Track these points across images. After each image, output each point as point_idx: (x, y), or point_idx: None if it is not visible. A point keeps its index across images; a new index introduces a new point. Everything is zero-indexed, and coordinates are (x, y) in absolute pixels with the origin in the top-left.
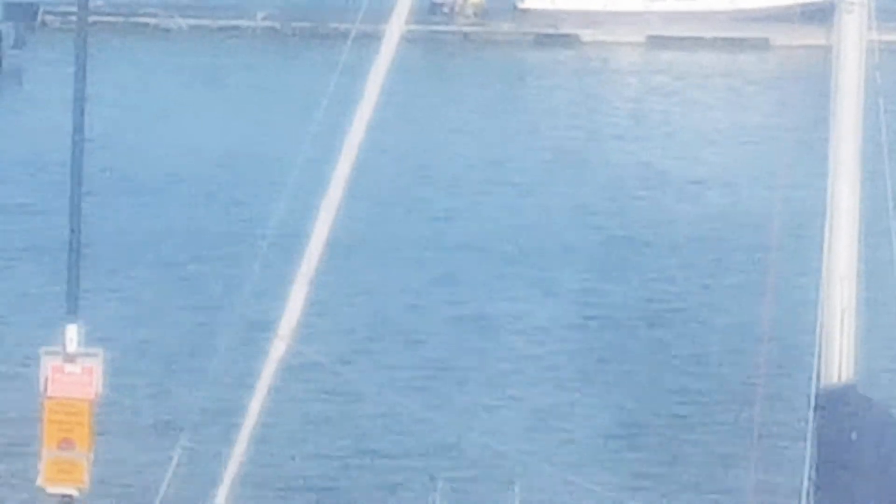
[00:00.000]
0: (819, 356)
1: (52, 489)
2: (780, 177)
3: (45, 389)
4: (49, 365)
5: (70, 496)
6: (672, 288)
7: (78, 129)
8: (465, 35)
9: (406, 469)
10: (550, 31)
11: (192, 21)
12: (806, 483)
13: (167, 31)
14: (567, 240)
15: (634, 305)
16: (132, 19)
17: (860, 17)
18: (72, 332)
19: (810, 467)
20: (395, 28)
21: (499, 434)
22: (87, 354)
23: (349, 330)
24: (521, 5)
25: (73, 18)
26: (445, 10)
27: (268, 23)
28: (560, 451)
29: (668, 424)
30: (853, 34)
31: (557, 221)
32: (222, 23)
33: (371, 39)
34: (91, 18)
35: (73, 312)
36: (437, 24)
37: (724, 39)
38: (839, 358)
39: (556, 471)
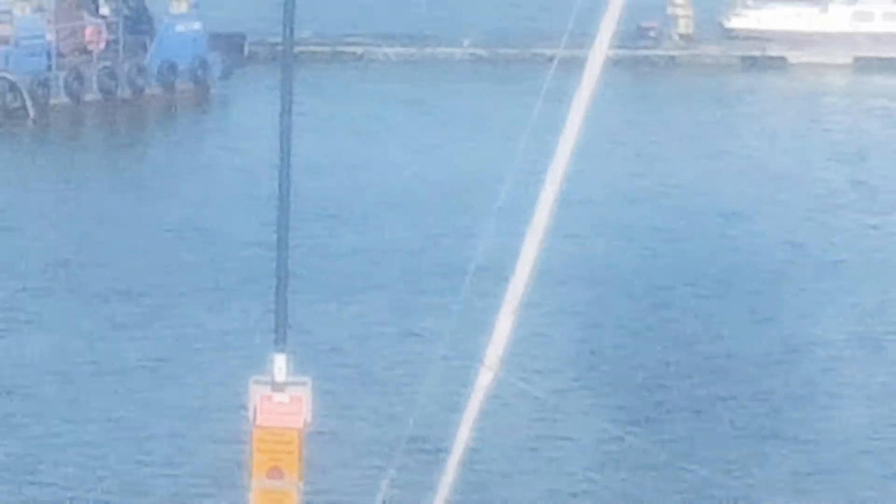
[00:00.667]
0: None
1: None
2: None
3: (254, 419)
4: (258, 394)
5: None
6: None
7: (285, 159)
8: (672, 59)
9: None
10: (757, 53)
11: (399, 50)
12: None
13: (373, 60)
14: (773, 266)
15: None
16: (338, 49)
17: None
18: (280, 362)
19: None
20: (599, 53)
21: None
22: (296, 383)
23: (560, 359)
24: (727, 24)
25: (279, 49)
26: (652, 34)
27: (473, 50)
28: None
29: None
30: None
31: (767, 248)
32: (428, 51)
33: (576, 65)
34: (297, 49)
35: (281, 342)
36: (644, 48)
37: None
38: None
39: None
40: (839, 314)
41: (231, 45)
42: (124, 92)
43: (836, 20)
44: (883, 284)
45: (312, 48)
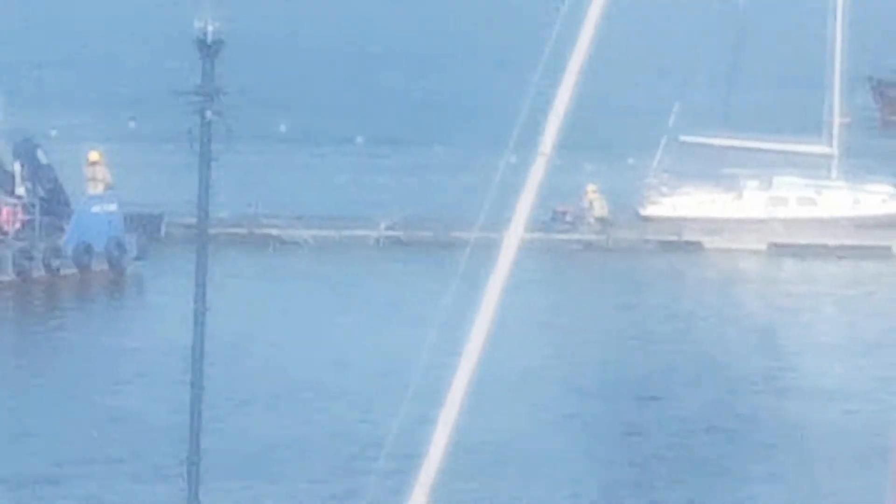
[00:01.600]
0: None
1: None
2: None
3: None
4: None
5: None
6: None
7: (198, 341)
8: (589, 243)
9: None
10: (673, 238)
11: (316, 232)
12: None
13: (291, 241)
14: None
15: None
16: (256, 231)
17: None
18: None
19: None
20: (514, 237)
21: None
22: None
23: None
24: (643, 212)
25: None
26: (568, 218)
27: (391, 232)
28: None
29: None
30: None
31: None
32: (346, 233)
33: (492, 248)
34: (214, 230)
35: None
36: (561, 232)
37: (847, 247)
38: None
39: None
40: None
41: (148, 226)
42: (39, 273)
43: (751, 206)
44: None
45: (230, 230)
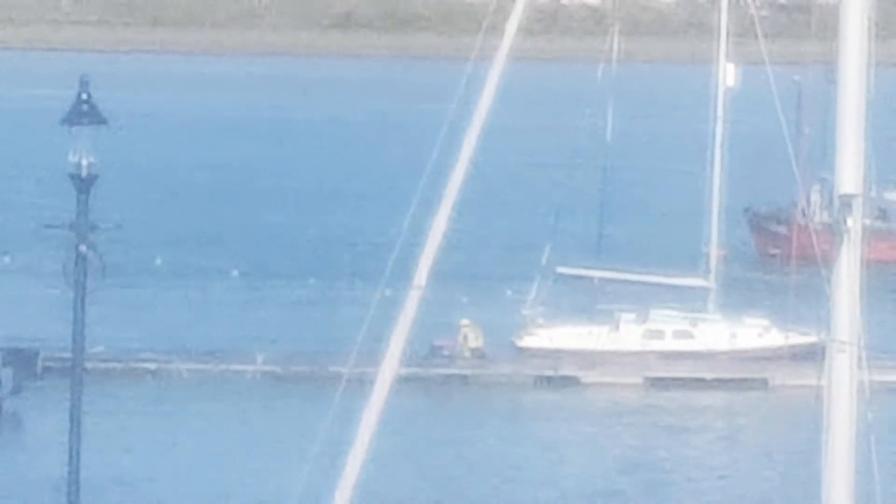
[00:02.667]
0: None
1: None
2: None
3: None
4: None
5: None
6: None
7: (73, 476)
8: (465, 377)
9: None
10: (550, 372)
11: (193, 366)
12: None
13: (167, 376)
14: None
15: None
16: (132, 365)
17: (851, 358)
18: None
19: None
20: (388, 371)
21: None
22: None
23: None
24: (519, 343)
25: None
26: (445, 352)
27: (267, 367)
28: None
29: None
30: (844, 374)
31: None
32: (223, 367)
33: (368, 383)
34: (90, 364)
35: None
36: (437, 366)
37: (724, 380)
38: None
39: None
40: None
41: (25, 361)
42: None
43: (627, 339)
44: None
45: (107, 364)
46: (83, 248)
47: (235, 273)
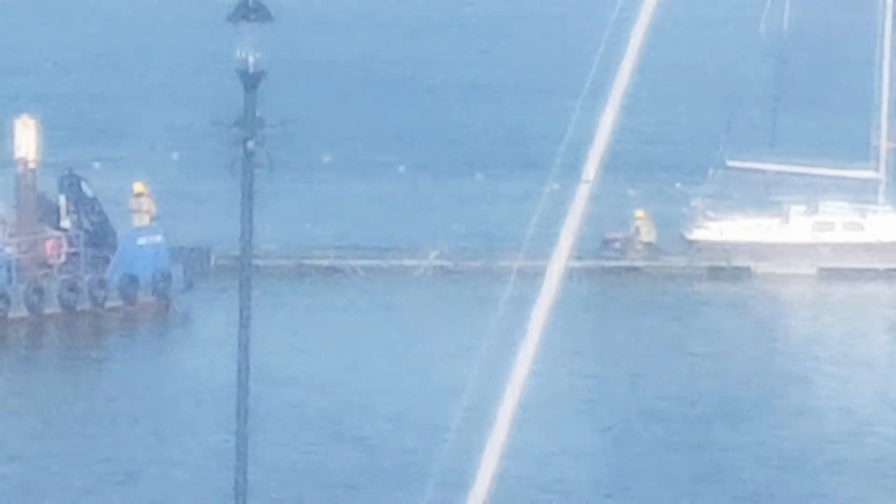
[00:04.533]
0: None
1: None
2: None
3: None
4: None
5: None
6: None
7: (243, 375)
8: (638, 269)
9: None
10: (723, 263)
11: (365, 262)
12: None
13: (340, 272)
14: None
15: None
16: (305, 262)
17: None
18: None
19: None
20: (559, 264)
21: None
22: None
23: None
24: (690, 237)
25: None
26: (617, 245)
27: (439, 262)
28: None
29: None
30: None
31: None
32: (395, 262)
33: (540, 276)
34: (262, 262)
35: None
36: (609, 259)
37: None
38: None
39: None
40: None
41: (196, 259)
42: (85, 305)
43: (798, 231)
44: None
45: (280, 261)
46: (250, 144)
47: (402, 169)
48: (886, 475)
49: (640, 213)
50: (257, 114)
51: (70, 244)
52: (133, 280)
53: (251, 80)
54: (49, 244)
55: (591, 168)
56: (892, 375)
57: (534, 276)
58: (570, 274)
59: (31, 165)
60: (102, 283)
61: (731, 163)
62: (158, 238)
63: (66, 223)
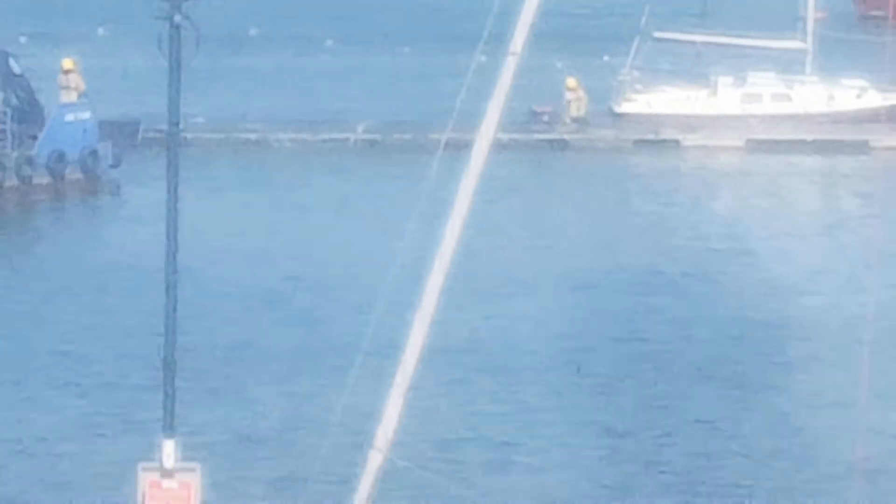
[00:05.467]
0: None
1: None
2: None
3: None
4: (146, 480)
5: None
6: None
7: (171, 245)
8: (566, 142)
9: None
10: (651, 136)
11: (293, 135)
12: None
13: (268, 146)
14: None
15: None
16: (233, 135)
17: None
18: (169, 448)
19: None
20: (485, 136)
21: None
22: (185, 469)
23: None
24: (617, 109)
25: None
26: (545, 118)
27: (368, 135)
28: None
29: None
30: None
31: None
32: (324, 136)
33: (468, 149)
34: (190, 135)
35: (169, 428)
36: (537, 132)
37: (824, 141)
38: None
39: None
40: None
41: (125, 132)
42: (12, 182)
43: (726, 103)
44: None
45: (208, 135)
46: (177, 18)
47: (330, 42)
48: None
49: (571, 82)
50: None
51: None
52: (61, 156)
53: None
54: None
55: (518, 40)
56: (816, 246)
57: (463, 148)
58: (498, 147)
59: None
60: (30, 160)
61: (658, 34)
62: (87, 114)
63: None
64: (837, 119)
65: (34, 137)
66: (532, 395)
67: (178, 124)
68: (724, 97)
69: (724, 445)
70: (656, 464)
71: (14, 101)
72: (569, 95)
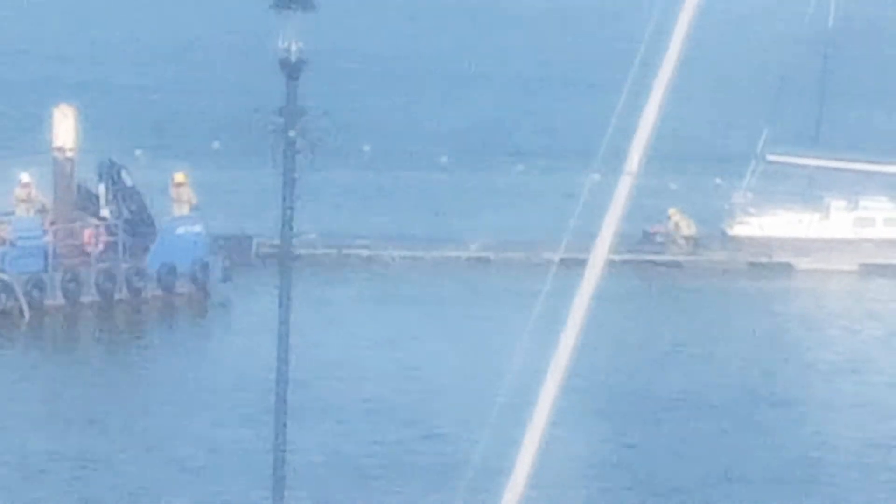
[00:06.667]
0: None
1: None
2: None
3: None
4: None
5: None
6: None
7: (282, 358)
8: (679, 264)
9: None
10: (764, 259)
11: (406, 252)
12: None
13: (380, 262)
14: None
15: None
16: (345, 251)
17: None
18: None
19: None
20: (599, 256)
21: None
22: None
23: None
24: (730, 231)
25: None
26: (658, 238)
27: (481, 253)
28: None
29: None
30: None
31: None
32: (435, 253)
33: (580, 268)
34: (303, 251)
35: None
36: (650, 252)
37: None
38: None
39: None
40: None
41: (238, 248)
42: (122, 294)
43: (838, 226)
44: None
45: (320, 251)
46: (292, 133)
47: (444, 159)
48: None
49: (673, 210)
50: (298, 102)
51: (108, 233)
52: (171, 269)
53: (293, 69)
54: (87, 232)
55: (633, 160)
56: None
57: (575, 268)
58: (610, 267)
59: (70, 154)
60: (140, 272)
61: (771, 157)
62: (198, 227)
63: (105, 212)
64: None
65: (146, 250)
66: None
67: (290, 238)
68: (836, 221)
69: None
70: None
71: (125, 213)
72: (674, 217)
